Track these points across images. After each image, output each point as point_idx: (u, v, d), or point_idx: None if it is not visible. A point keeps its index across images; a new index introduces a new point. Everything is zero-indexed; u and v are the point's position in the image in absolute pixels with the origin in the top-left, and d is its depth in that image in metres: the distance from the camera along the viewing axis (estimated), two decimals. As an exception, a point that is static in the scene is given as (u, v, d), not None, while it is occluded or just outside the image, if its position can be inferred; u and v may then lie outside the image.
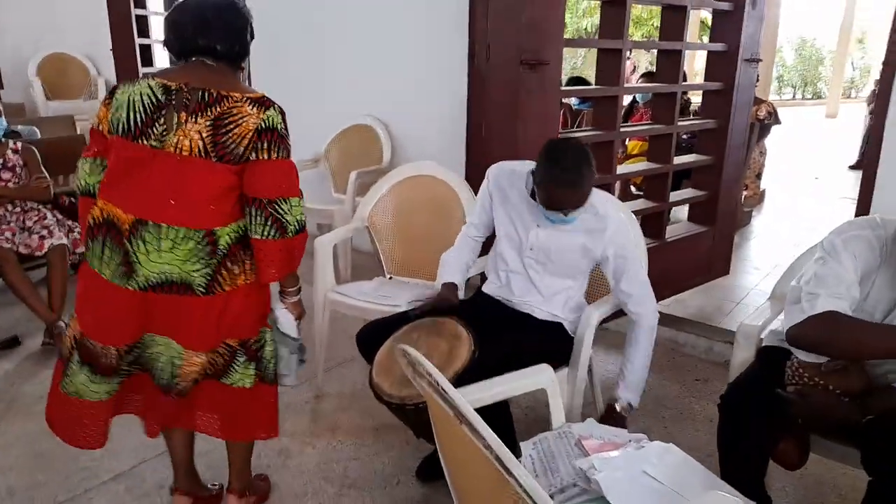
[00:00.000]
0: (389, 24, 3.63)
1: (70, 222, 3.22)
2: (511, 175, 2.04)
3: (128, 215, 1.49)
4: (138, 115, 1.48)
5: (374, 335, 1.95)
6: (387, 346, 1.84)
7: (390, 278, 2.73)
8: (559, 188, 1.80)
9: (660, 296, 3.35)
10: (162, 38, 1.62)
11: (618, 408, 1.97)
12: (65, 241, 3.01)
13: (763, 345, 1.90)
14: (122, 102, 1.50)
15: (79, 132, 4.46)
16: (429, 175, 2.78)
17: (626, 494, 1.35)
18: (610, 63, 2.83)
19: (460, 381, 1.66)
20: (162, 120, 1.48)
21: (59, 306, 2.93)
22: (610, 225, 1.92)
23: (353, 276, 3.57)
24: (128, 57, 5.23)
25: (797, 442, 1.64)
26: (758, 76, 3.65)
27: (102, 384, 1.58)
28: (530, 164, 1.96)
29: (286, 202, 1.50)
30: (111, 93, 1.55)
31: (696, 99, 5.10)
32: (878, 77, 8.90)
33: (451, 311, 1.93)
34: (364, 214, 2.75)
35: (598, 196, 1.94)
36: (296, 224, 1.53)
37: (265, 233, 1.50)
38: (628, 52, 2.96)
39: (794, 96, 20.87)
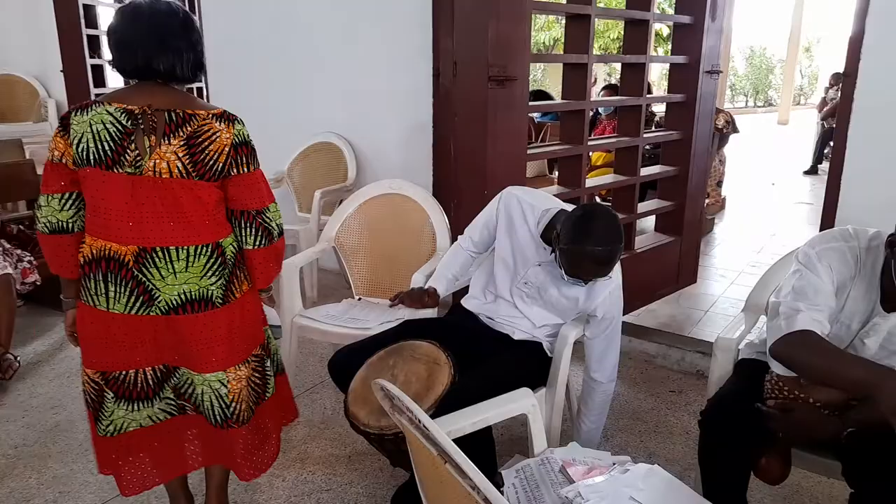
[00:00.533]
0: (352, 40, 3.58)
1: (19, 251, 3.07)
2: (524, 210, 1.98)
3: (128, 247, 1.48)
4: (107, 145, 1.44)
5: (347, 361, 1.88)
6: (362, 374, 1.78)
7: (359, 300, 2.67)
8: (588, 263, 1.75)
9: (631, 307, 3.37)
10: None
11: None
12: (9, 270, 2.86)
13: (740, 358, 1.89)
14: (83, 132, 1.44)
15: (28, 156, 4.27)
16: (397, 193, 2.73)
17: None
18: (576, 77, 2.83)
19: (442, 406, 1.61)
20: (133, 146, 1.45)
21: (5, 338, 2.79)
22: (610, 285, 1.91)
23: (321, 297, 3.49)
24: (79, 77, 5.07)
25: (779, 456, 1.63)
26: (716, 87, 3.72)
27: (143, 410, 1.60)
28: (546, 201, 1.98)
29: (269, 210, 1.58)
30: (63, 123, 1.47)
31: (656, 109, 5.18)
32: (826, 84, 9.25)
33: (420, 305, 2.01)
34: (331, 234, 2.68)
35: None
36: (278, 228, 1.61)
37: (257, 242, 1.57)
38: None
39: (746, 104, 21.47)
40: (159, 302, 1.50)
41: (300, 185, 3.91)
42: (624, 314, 3.32)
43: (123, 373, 1.55)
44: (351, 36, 3.58)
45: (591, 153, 5.17)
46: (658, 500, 1.39)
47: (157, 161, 1.44)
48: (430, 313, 2.15)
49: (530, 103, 2.67)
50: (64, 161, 1.47)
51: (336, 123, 3.82)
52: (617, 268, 1.91)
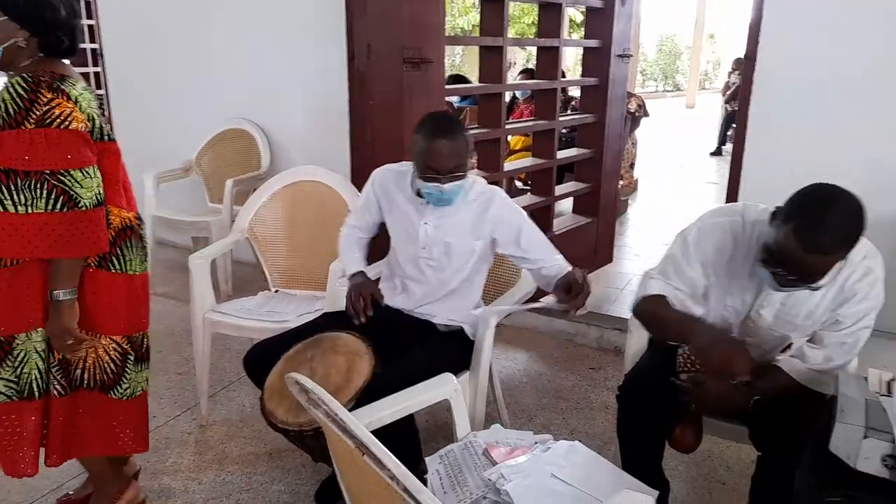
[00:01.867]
0: (262, 22, 3.43)
1: None
2: (396, 177, 1.97)
3: (131, 213, 1.66)
4: (103, 118, 1.59)
5: (263, 357, 1.80)
6: (278, 369, 1.71)
7: (276, 292, 2.57)
8: (435, 152, 1.74)
9: (551, 289, 3.43)
10: None
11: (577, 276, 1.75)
12: None
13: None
14: (88, 106, 1.52)
15: None
16: (312, 180, 2.64)
17: (537, 501, 1.32)
18: (491, 60, 2.83)
19: (362, 397, 1.57)
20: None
21: None
22: (494, 201, 1.88)
23: (237, 291, 3.35)
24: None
25: (691, 426, 1.69)
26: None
27: (145, 371, 1.78)
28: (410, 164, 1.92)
29: None
30: (59, 91, 1.46)
31: (575, 94, 5.28)
32: (729, 69, 9.69)
33: (374, 295, 1.90)
34: (243, 225, 2.57)
35: (477, 179, 1.92)
36: None
37: None
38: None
39: (656, 89, 22.29)
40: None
41: (210, 175, 3.73)
42: (543, 295, 3.40)
43: (142, 334, 1.72)
44: (260, 18, 3.43)
45: (509, 138, 5.23)
46: (579, 476, 1.41)
47: None
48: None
49: (448, 87, 2.64)
50: (87, 132, 1.51)
51: (247, 109, 3.67)
52: (496, 188, 1.95)
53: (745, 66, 2.44)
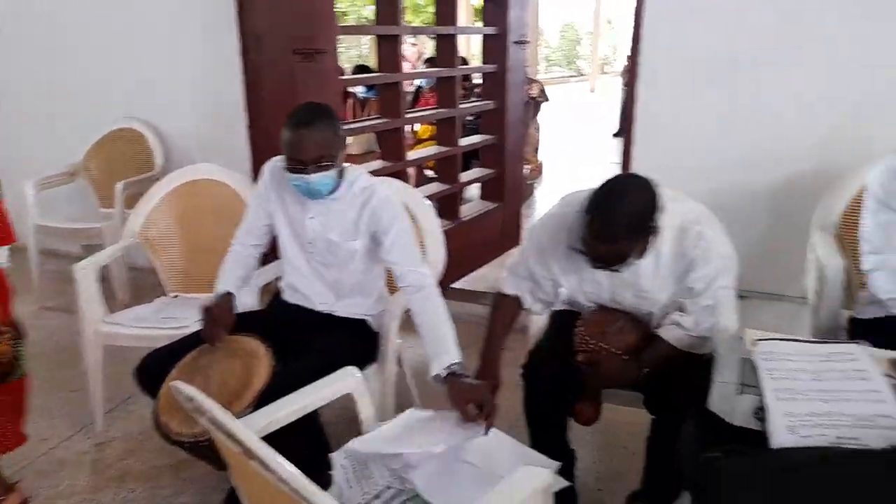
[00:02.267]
0: (148, 16, 3.25)
1: None
2: (283, 171, 1.90)
3: None
4: None
5: (156, 366, 1.72)
6: (172, 378, 1.64)
7: (175, 297, 2.47)
8: (296, 142, 1.69)
9: (461, 273, 3.47)
10: None
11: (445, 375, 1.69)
12: None
13: (553, 309, 2.00)
14: None
15: None
16: (208, 179, 2.55)
17: (443, 487, 1.34)
18: (388, 49, 2.80)
19: (263, 400, 1.53)
20: None
21: None
22: (372, 197, 1.83)
23: (136, 299, 3.19)
24: None
25: (591, 401, 1.76)
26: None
27: None
28: None
29: None
30: None
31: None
32: (628, 54, 10.08)
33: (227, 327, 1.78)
34: (134, 229, 2.44)
35: (362, 174, 1.88)
36: None
37: None
38: (412, 39, 2.95)
39: (560, 75, 22.88)
40: None
41: (99, 178, 3.52)
42: (454, 280, 3.45)
43: None
44: (146, 11, 3.25)
45: (416, 127, 5.22)
46: (487, 457, 1.44)
47: None
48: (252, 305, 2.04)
49: (343, 77, 2.60)
50: None
51: (138, 107, 3.47)
52: (378, 182, 1.91)
53: (632, 49, 2.54)
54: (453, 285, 3.44)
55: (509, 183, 3.76)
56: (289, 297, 1.99)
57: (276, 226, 1.94)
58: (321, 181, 1.73)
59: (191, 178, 2.54)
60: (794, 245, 2.38)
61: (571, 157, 8.01)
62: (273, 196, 1.91)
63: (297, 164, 1.70)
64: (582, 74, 22.59)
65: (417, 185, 4.76)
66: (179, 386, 1.06)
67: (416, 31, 5.85)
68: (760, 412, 1.19)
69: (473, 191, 4.25)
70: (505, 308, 1.84)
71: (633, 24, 2.49)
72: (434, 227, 2.20)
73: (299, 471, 1.01)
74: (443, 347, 1.67)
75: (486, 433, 1.49)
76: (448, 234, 3.29)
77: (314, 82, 2.44)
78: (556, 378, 1.72)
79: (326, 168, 1.72)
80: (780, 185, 2.70)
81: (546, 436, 1.81)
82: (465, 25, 3.43)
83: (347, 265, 1.90)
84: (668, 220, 1.59)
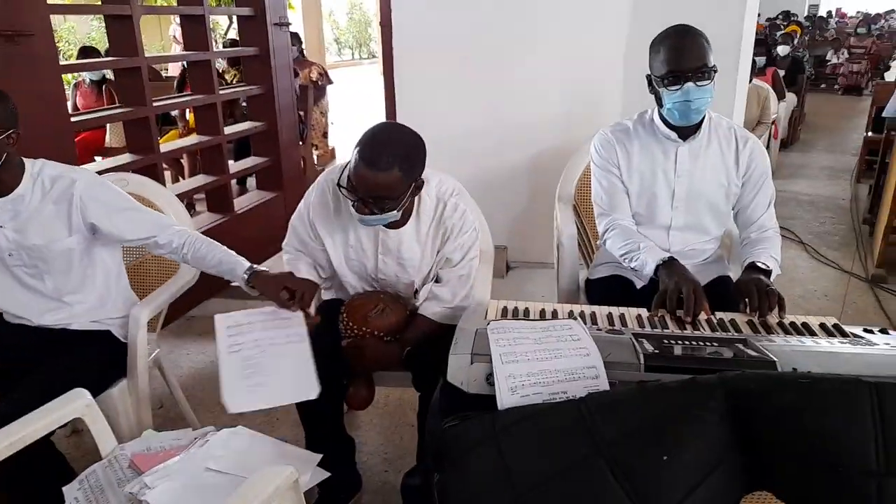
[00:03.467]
0: None
1: None
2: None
3: None
4: None
5: None
6: None
7: None
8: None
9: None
10: None
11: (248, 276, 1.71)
12: None
13: (322, 299, 1.98)
14: None
15: None
16: None
17: (244, 400, 1.32)
18: (121, 30, 2.53)
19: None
20: None
21: None
22: (75, 185, 1.64)
23: None
24: None
25: (362, 385, 1.77)
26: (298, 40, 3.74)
27: None
28: None
29: None
30: None
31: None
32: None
33: None
34: None
35: (46, 163, 1.68)
36: None
37: None
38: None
39: (353, 56, 22.77)
40: None
41: None
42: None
43: None
44: None
45: (187, 115, 4.86)
46: (239, 461, 1.37)
47: None
48: None
49: (66, 63, 2.30)
50: None
51: None
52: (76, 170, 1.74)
53: (383, 32, 2.57)
54: (234, 283, 3.27)
55: (287, 171, 3.65)
56: (9, 317, 1.73)
57: None
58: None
59: None
60: (551, 217, 2.62)
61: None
62: None
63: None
64: (374, 56, 22.71)
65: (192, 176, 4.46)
66: None
67: (151, 12, 5.39)
68: (491, 378, 1.27)
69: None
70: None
71: (380, 6, 2.51)
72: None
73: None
74: (234, 259, 1.74)
75: (306, 319, 1.61)
76: (222, 229, 3.15)
77: (25, 70, 2.11)
78: (324, 367, 1.69)
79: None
80: (534, 161, 2.94)
81: (320, 427, 1.79)
82: (214, 7, 3.19)
83: (66, 269, 1.69)
84: (426, 190, 1.68)
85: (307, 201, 1.78)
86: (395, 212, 1.60)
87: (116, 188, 1.74)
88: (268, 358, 1.54)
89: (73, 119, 2.38)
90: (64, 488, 1.33)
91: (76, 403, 1.37)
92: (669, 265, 1.69)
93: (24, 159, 1.63)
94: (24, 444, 1.29)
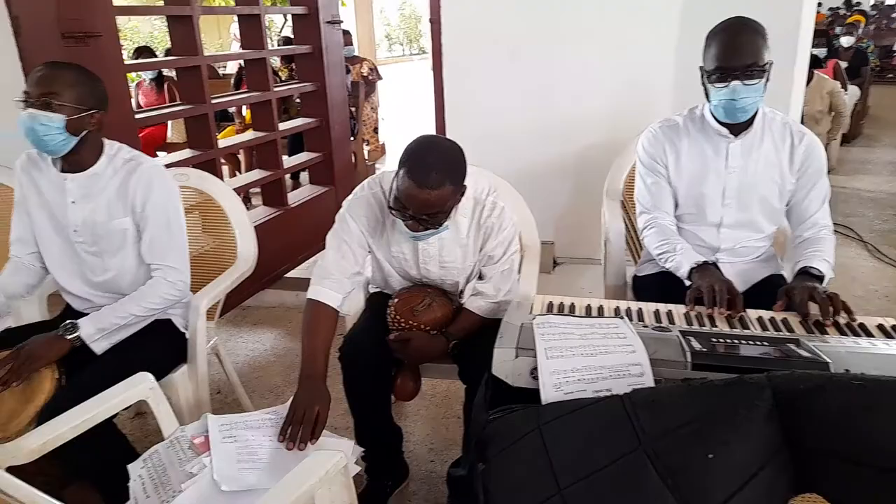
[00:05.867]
0: None
1: None
2: (33, 158, 1.74)
3: None
4: None
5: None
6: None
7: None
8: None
9: (295, 261, 3.40)
10: None
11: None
12: None
13: (370, 292, 2.03)
14: None
15: None
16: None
17: (236, 478, 1.31)
18: (183, 31, 2.63)
19: (50, 414, 1.41)
20: None
21: None
22: (138, 169, 1.72)
23: None
24: None
25: (409, 377, 1.81)
26: (349, 36, 3.81)
27: None
28: None
29: None
30: None
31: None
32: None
33: None
34: None
35: (122, 147, 1.77)
36: None
37: None
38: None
39: (403, 53, 22.95)
40: None
41: None
42: (289, 269, 3.38)
43: None
44: None
45: (244, 111, 5.00)
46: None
47: None
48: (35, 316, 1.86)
49: (130, 63, 2.40)
50: None
51: None
52: (144, 160, 1.80)
53: (432, 28, 2.59)
54: (288, 274, 3.36)
55: (339, 166, 3.72)
56: (77, 305, 1.83)
57: (33, 224, 1.77)
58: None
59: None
60: (598, 213, 2.60)
61: (416, 134, 8.06)
62: (32, 197, 1.75)
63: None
64: (424, 52, 22.80)
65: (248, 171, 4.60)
66: None
67: (210, 12, 5.55)
68: (535, 372, 1.29)
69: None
70: (312, 309, 1.70)
71: (430, 7, 2.54)
72: (242, 219, 2.12)
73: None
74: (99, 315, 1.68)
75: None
76: (276, 222, 3.24)
77: (92, 70, 2.22)
78: (372, 359, 1.75)
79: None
80: (581, 156, 2.92)
81: (369, 417, 1.83)
82: (270, 6, 3.27)
83: (119, 249, 1.76)
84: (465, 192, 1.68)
85: (351, 214, 1.74)
86: (446, 223, 1.63)
87: (175, 194, 1.78)
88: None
89: (137, 116, 2.49)
90: (129, 466, 1.40)
91: (141, 386, 1.45)
92: (703, 269, 1.68)
93: (106, 141, 1.74)
94: (94, 423, 1.38)
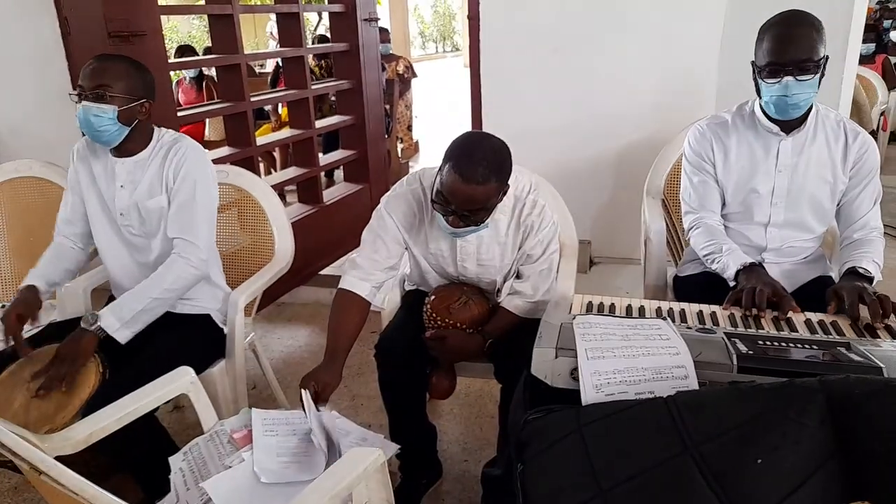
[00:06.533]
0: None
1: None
2: (90, 144, 1.80)
3: None
4: None
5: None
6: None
7: (2, 307, 2.25)
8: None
9: (330, 258, 3.43)
10: None
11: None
12: None
13: (406, 289, 2.03)
14: None
15: None
16: (29, 176, 2.34)
17: (275, 471, 1.32)
18: (224, 29, 2.67)
19: (95, 407, 1.43)
20: None
21: None
22: (176, 147, 1.75)
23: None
24: None
25: (444, 375, 1.80)
26: (386, 33, 3.82)
27: None
28: None
29: None
30: None
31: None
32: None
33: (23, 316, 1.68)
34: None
35: (165, 130, 1.81)
36: None
37: None
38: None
39: (436, 50, 22.99)
40: None
41: None
42: (323, 266, 3.40)
43: None
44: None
45: (280, 109, 5.06)
46: (329, 440, 1.43)
47: None
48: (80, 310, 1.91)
49: (173, 61, 2.45)
50: None
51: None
52: (184, 143, 1.81)
53: (470, 25, 2.57)
54: (322, 272, 3.39)
55: (373, 163, 3.73)
56: (114, 290, 1.87)
57: (87, 208, 1.82)
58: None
59: (8, 176, 2.32)
60: (637, 211, 2.56)
61: (449, 133, 8.05)
62: (84, 177, 1.80)
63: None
64: (458, 49, 22.79)
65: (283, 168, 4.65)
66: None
67: (250, 11, 5.62)
68: (576, 372, 1.27)
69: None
70: (343, 298, 1.73)
71: (468, 4, 2.52)
72: (280, 216, 2.14)
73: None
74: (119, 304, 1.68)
75: None
76: (311, 219, 3.27)
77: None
78: (407, 357, 1.74)
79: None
80: (620, 154, 2.87)
81: (404, 415, 1.83)
82: (308, 4, 3.29)
83: (158, 230, 1.78)
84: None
85: (388, 209, 1.74)
86: (486, 221, 1.61)
87: (208, 174, 1.78)
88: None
89: (179, 114, 2.54)
90: (170, 459, 1.42)
91: (182, 380, 1.48)
92: (750, 270, 1.63)
93: (155, 128, 1.78)
94: (136, 416, 1.40)
